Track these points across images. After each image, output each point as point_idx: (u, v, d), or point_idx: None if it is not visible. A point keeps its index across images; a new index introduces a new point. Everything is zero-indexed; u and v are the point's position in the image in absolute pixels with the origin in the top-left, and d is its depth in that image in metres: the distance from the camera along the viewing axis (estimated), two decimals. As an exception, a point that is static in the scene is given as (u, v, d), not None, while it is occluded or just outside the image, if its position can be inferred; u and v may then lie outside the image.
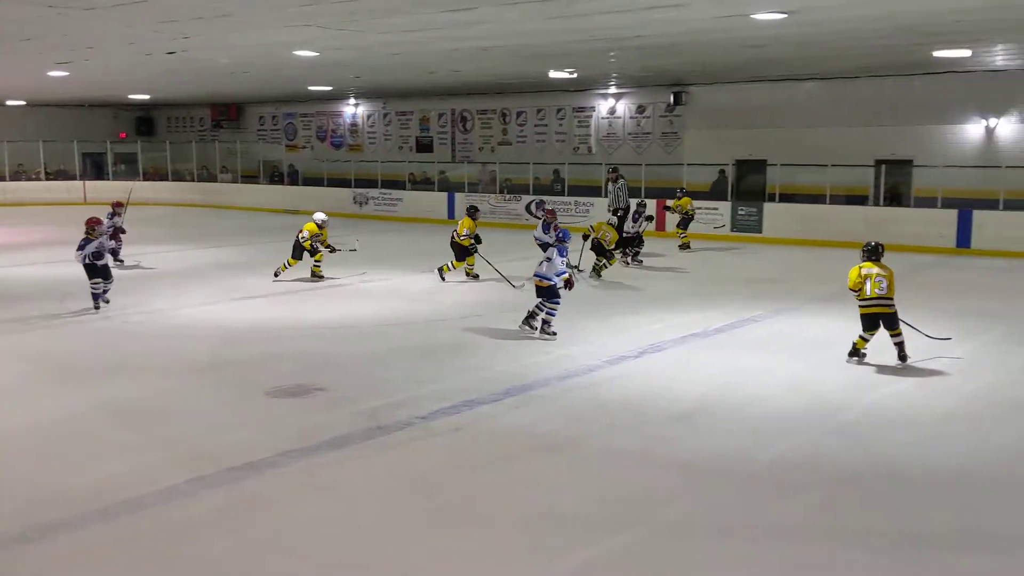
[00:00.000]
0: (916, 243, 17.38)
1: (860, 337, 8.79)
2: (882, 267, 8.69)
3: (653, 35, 13.50)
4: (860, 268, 8.71)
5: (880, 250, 8.79)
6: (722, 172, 21.32)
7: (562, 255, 10.12)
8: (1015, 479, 5.97)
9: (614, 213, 16.53)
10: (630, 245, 15.91)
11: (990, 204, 17.50)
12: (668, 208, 18.53)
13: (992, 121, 18.60)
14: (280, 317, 11.25)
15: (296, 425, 7.02)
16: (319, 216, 14.28)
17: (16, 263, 16.24)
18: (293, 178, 29.52)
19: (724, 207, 20.15)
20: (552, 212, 15.04)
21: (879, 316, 8.62)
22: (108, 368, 8.70)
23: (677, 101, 22.43)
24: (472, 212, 14.53)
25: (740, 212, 19.85)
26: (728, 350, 9.56)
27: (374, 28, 12.48)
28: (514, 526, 5.23)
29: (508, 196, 23.70)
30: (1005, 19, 11.88)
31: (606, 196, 18.64)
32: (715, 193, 20.98)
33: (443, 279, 13.91)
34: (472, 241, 14.05)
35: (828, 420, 7.16)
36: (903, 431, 6.90)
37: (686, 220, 18.01)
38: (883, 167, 19.14)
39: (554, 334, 9.95)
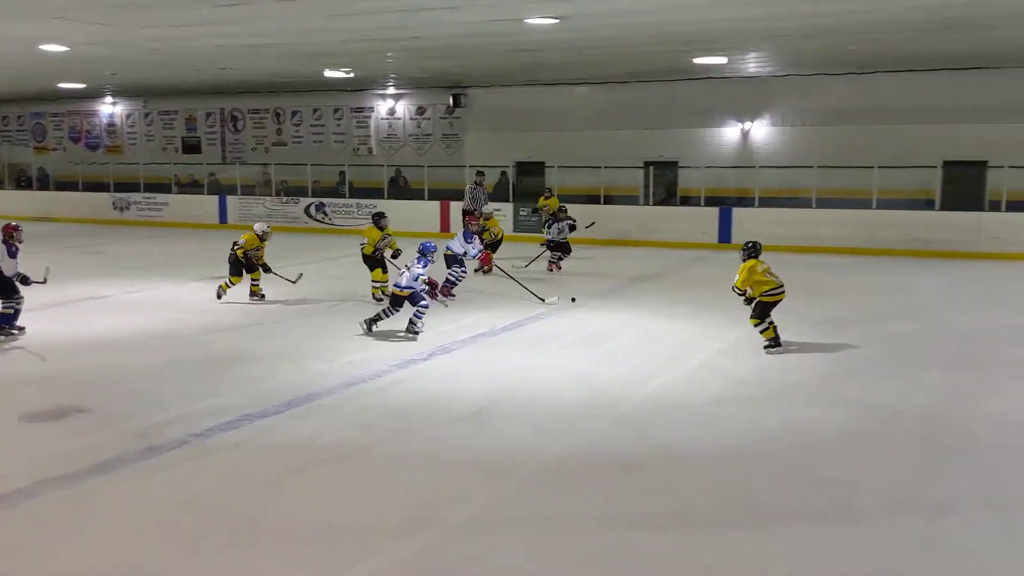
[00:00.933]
0: (682, 239, 18.50)
1: (771, 325, 9.33)
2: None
3: (429, 36, 13.50)
4: (754, 265, 9.25)
5: (759, 247, 9.45)
6: (504, 174, 21.73)
7: (423, 265, 10.08)
8: (779, 456, 6.40)
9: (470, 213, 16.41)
10: (558, 251, 15.32)
11: (747, 202, 18.94)
12: (535, 210, 18.42)
13: (747, 124, 20.12)
14: (36, 333, 10.23)
15: (57, 450, 6.37)
16: (259, 227, 12.52)
17: None
18: (43, 182, 27.22)
19: (507, 208, 20.53)
20: (475, 219, 14.16)
21: (778, 302, 9.30)
22: None
23: (456, 103, 22.64)
24: (377, 219, 12.48)
25: (522, 213, 20.29)
26: (514, 348, 9.69)
27: (131, 23, 11.66)
28: (301, 541, 4.99)
29: (285, 199, 22.97)
30: (754, 29, 12.85)
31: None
32: (497, 195, 21.33)
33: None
34: (376, 251, 12.19)
35: (610, 411, 7.39)
36: (679, 417, 7.24)
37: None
38: (651, 168, 20.22)
39: (417, 333, 10.00)
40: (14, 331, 9.96)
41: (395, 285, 10.25)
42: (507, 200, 20.94)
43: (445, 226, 20.34)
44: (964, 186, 17.67)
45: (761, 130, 20.07)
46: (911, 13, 11.24)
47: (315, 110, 24.77)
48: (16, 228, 10.11)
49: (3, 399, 7.69)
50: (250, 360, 9.14)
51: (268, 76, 20.19)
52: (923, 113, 18.10)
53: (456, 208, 20.61)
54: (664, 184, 20.68)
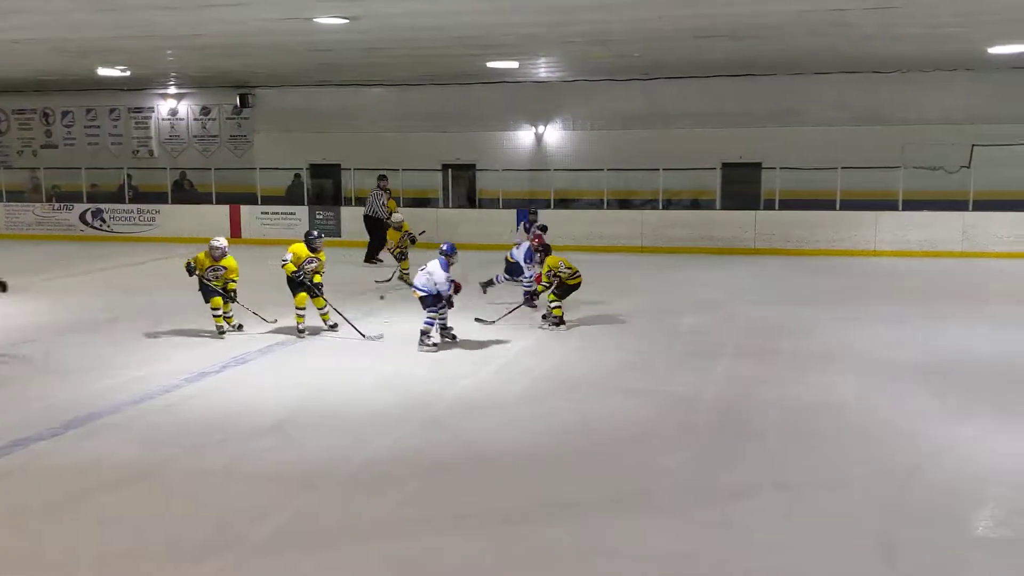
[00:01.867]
0: (484, 241, 18.70)
1: (557, 307, 10.45)
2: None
3: (213, 34, 12.90)
4: (554, 260, 10.51)
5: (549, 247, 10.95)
6: (297, 176, 21.12)
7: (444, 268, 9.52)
8: (577, 451, 6.54)
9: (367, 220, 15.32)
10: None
11: (543, 203, 19.41)
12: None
13: (540, 128, 20.63)
14: None
15: None
16: (315, 239, 10.23)
17: None
18: None
19: (301, 211, 19.97)
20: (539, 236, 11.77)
21: (577, 286, 10.56)
22: None
23: (244, 103, 21.77)
24: (311, 241, 10.21)
25: (318, 216, 19.81)
26: (316, 355, 9.40)
27: None
28: (90, 570, 4.57)
29: (57, 205, 21.21)
30: (542, 35, 13.17)
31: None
32: (291, 198, 20.73)
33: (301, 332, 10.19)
34: (298, 273, 10.01)
35: (419, 413, 7.31)
36: (486, 416, 7.26)
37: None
38: (450, 171, 20.30)
39: (434, 346, 9.51)
40: None
41: (412, 286, 9.94)
42: (302, 203, 20.34)
43: (236, 231, 19.50)
44: (740, 186, 18.95)
45: (554, 134, 20.63)
46: (691, 21, 11.88)
47: (88, 110, 23.05)
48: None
49: None
50: (19, 380, 8.34)
51: (35, 73, 18.61)
52: (702, 118, 19.25)
53: (249, 212, 19.86)
54: (464, 187, 20.82)
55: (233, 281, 10.16)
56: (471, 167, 20.71)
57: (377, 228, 16.02)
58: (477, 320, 10.71)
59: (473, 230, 18.75)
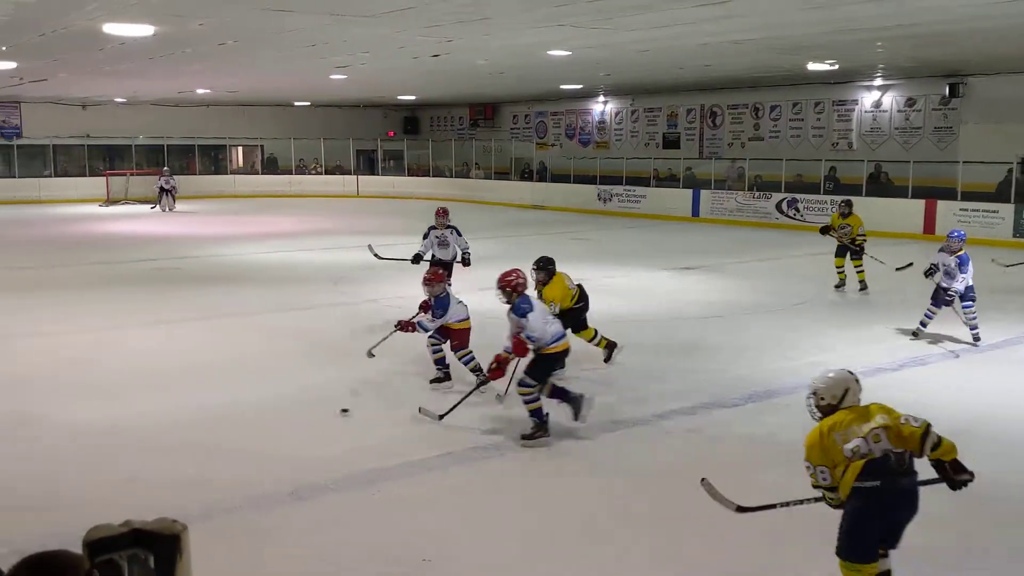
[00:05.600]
0: None
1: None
2: None
3: (924, 23, 12.53)
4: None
5: None
6: (1010, 171, 19.18)
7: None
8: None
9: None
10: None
11: None
12: (826, 230, 12.93)
13: None
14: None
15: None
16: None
17: (298, 248, 17.86)
18: (542, 175, 30.25)
19: (1006, 209, 18.25)
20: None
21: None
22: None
23: (953, 93, 20.64)
24: (546, 266, 8.18)
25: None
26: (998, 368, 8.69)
27: (625, 25, 12.51)
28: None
29: (757, 193, 22.90)
30: None
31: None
32: (1001, 194, 18.87)
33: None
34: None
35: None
36: None
37: (855, 249, 12.50)
38: None
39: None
40: None
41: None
42: (1008, 201, 18.54)
43: (930, 227, 18.73)
44: None
45: None
46: None
47: (794, 104, 24.30)
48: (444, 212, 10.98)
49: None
50: (712, 351, 9.38)
51: (749, 71, 20.28)
52: None
53: (945, 208, 18.81)
54: None
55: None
56: None
57: None
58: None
59: None
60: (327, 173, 33.71)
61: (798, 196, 21.89)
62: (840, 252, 12.59)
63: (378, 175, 33.97)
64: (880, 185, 21.28)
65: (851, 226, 12.47)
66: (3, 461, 6.18)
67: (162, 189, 26.73)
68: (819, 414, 4.18)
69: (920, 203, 19.42)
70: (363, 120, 34.90)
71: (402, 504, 5.47)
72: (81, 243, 19.17)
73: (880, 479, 3.85)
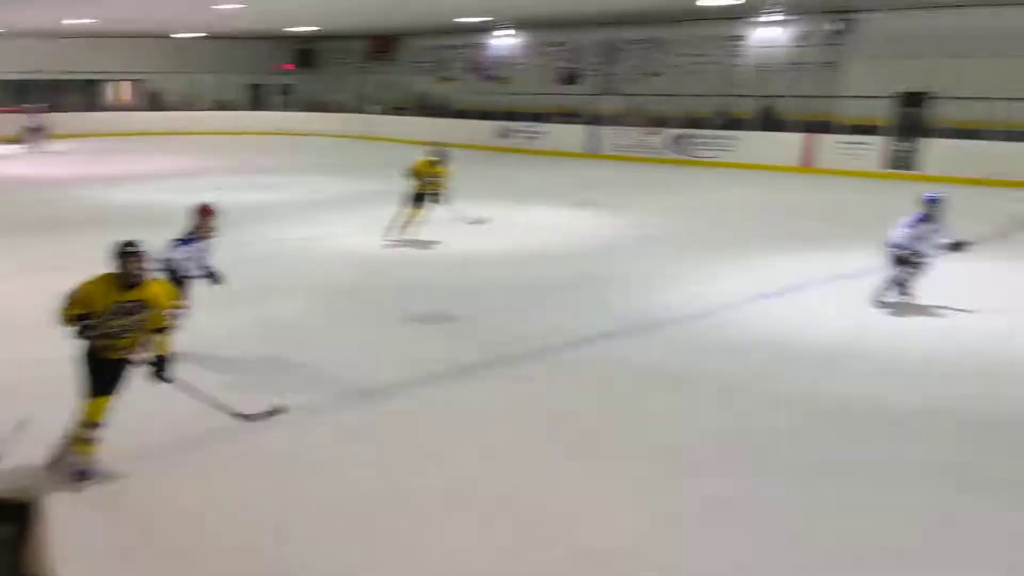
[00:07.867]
0: None
1: None
2: None
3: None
4: None
5: None
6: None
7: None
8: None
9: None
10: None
11: None
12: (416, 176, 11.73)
13: None
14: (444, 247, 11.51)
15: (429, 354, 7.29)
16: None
17: (178, 190, 17.07)
18: (442, 111, 29.85)
19: (876, 141, 19.00)
20: None
21: None
22: (263, 289, 9.15)
23: (840, 29, 21.11)
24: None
25: (894, 147, 18.60)
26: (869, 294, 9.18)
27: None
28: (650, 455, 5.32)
29: (652, 130, 23.10)
30: None
31: None
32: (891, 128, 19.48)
33: None
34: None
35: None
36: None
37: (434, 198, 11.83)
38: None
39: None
40: None
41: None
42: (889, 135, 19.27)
43: (808, 160, 19.35)
44: None
45: None
46: None
47: (690, 41, 24.40)
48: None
49: (395, 303, 8.87)
50: (602, 286, 9.62)
51: (643, 3, 20.27)
52: None
53: (826, 141, 19.39)
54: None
55: None
56: None
57: None
58: None
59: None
60: (217, 109, 32.44)
61: (686, 131, 22.17)
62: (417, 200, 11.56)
63: (271, 110, 32.91)
64: (768, 120, 21.83)
65: (440, 176, 11.65)
66: None
67: (29, 127, 25.24)
68: None
69: (798, 136, 19.98)
70: (255, 53, 33.66)
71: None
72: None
73: None
